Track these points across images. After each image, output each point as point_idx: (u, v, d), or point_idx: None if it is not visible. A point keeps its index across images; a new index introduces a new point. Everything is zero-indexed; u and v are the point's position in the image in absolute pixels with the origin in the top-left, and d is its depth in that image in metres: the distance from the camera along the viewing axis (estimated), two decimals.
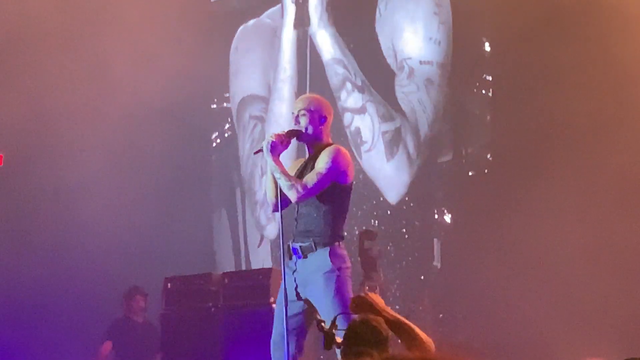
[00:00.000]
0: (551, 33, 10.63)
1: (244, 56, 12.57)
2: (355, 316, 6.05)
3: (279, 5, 12.48)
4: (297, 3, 12.17)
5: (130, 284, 11.22)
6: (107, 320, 11.24)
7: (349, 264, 6.91)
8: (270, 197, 6.93)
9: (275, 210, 6.95)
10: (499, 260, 10.51)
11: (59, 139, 11.42)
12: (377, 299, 6.30)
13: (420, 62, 11.64)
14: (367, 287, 9.09)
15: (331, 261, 6.76)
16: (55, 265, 11.33)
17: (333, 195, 6.84)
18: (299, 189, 6.72)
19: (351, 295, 6.67)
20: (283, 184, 6.73)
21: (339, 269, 6.79)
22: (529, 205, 10.25)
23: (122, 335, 11.11)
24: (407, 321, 6.26)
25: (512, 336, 10.09)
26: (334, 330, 6.24)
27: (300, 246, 6.82)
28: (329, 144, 6.99)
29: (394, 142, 11.75)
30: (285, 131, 6.90)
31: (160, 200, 11.89)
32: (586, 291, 9.85)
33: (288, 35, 12.21)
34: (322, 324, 6.31)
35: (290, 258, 6.90)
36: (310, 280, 6.80)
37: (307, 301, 6.85)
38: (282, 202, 6.82)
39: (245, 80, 12.55)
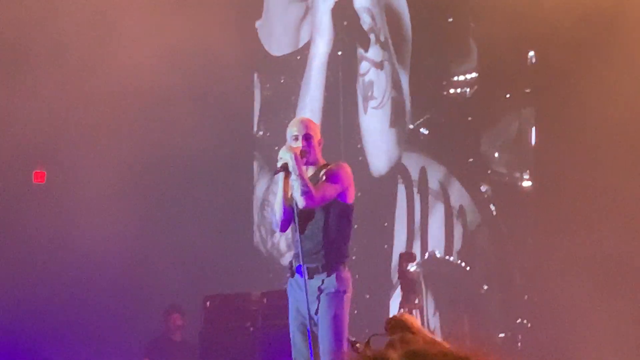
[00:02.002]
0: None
1: None
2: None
3: None
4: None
5: (169, 301, 11.16)
6: (145, 338, 11.15)
7: (351, 287, 6.98)
8: (280, 216, 6.93)
9: (282, 230, 7.00)
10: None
11: (92, 153, 11.42)
12: (413, 320, 6.16)
13: None
14: (406, 309, 8.87)
15: (337, 283, 6.86)
16: (93, 282, 11.32)
17: (338, 217, 6.93)
18: (313, 194, 6.73)
19: (347, 318, 6.90)
20: (299, 186, 6.73)
21: (343, 291, 6.89)
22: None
23: (160, 354, 11.02)
24: (444, 343, 6.08)
25: None
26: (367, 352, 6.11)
27: (307, 267, 6.84)
28: (328, 163, 7.10)
29: (398, 110, 11.55)
30: (295, 148, 6.92)
31: (199, 216, 11.79)
32: None
33: (319, 60, 12.11)
34: (357, 344, 6.23)
35: (293, 276, 6.99)
36: (313, 298, 6.85)
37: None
38: (285, 222, 6.92)
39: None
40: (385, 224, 11.87)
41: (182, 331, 11.14)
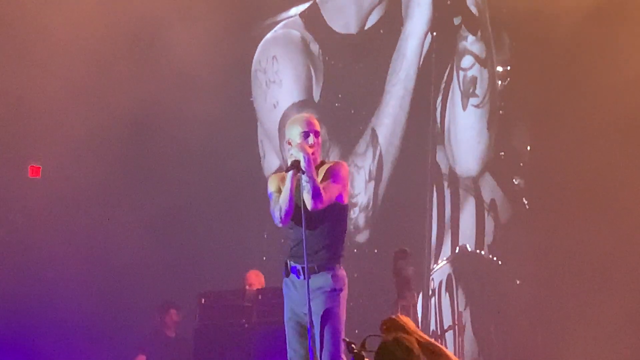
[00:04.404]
0: None
1: (287, 65, 12.08)
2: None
3: (295, 17, 11.92)
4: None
5: (164, 297, 11.08)
6: (140, 334, 11.12)
7: (347, 286, 6.85)
8: (285, 211, 6.74)
9: (284, 224, 6.78)
10: None
11: (87, 148, 11.33)
12: (408, 321, 6.03)
13: None
14: (400, 306, 8.69)
15: (333, 282, 6.75)
16: (89, 277, 11.26)
17: (334, 217, 6.79)
18: (323, 197, 6.63)
19: (344, 316, 6.77)
20: (310, 188, 6.61)
21: (340, 289, 6.78)
22: None
23: (155, 349, 10.96)
24: (438, 344, 5.95)
25: None
26: (363, 352, 6.03)
27: (302, 267, 6.71)
28: (324, 161, 6.98)
29: (495, 113, 11.13)
30: (310, 148, 6.78)
31: (197, 214, 11.67)
32: None
33: (416, 38, 11.64)
34: (352, 345, 6.11)
35: (288, 276, 6.86)
36: (311, 297, 6.70)
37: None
38: (287, 217, 6.74)
39: (291, 88, 12.07)
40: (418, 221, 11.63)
41: (177, 327, 11.09)
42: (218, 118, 11.68)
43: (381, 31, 11.90)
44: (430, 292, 11.20)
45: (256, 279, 10.54)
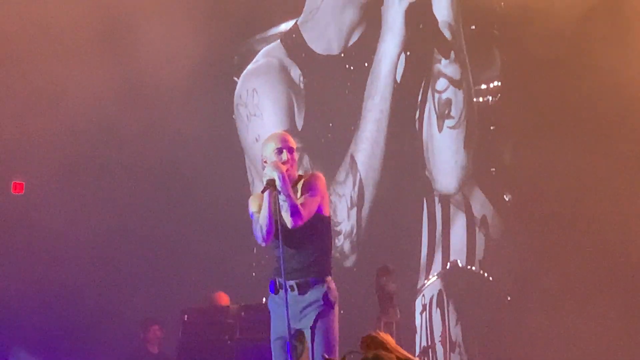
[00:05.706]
0: None
1: (268, 97, 12.12)
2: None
3: (276, 42, 11.95)
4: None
5: (148, 314, 11.04)
6: (124, 350, 11.05)
7: (337, 300, 6.90)
8: (266, 230, 6.75)
9: (266, 243, 6.80)
10: None
11: (69, 163, 11.30)
12: (388, 338, 6.00)
13: None
14: (383, 323, 8.68)
15: (325, 296, 6.78)
16: (71, 293, 11.23)
17: (319, 231, 6.83)
18: (302, 214, 6.65)
19: (337, 329, 6.81)
20: (288, 206, 6.62)
21: (333, 303, 6.82)
22: None
23: None
24: None
25: None
26: None
27: (296, 283, 6.76)
28: (302, 175, 6.99)
29: (472, 132, 11.11)
30: (283, 165, 6.80)
31: (182, 229, 11.64)
32: None
33: (390, 59, 11.68)
34: None
35: (277, 293, 6.84)
36: (304, 313, 6.78)
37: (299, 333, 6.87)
38: (269, 236, 6.76)
39: (272, 120, 12.10)
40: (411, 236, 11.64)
41: (160, 343, 11.08)
42: (203, 133, 11.69)
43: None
44: (421, 308, 11.19)
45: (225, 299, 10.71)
